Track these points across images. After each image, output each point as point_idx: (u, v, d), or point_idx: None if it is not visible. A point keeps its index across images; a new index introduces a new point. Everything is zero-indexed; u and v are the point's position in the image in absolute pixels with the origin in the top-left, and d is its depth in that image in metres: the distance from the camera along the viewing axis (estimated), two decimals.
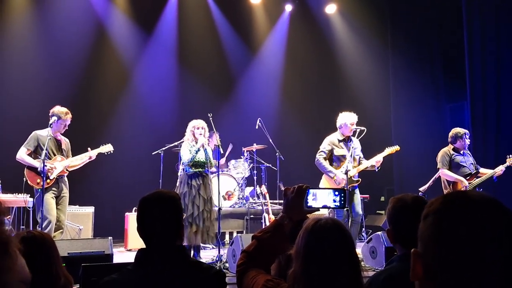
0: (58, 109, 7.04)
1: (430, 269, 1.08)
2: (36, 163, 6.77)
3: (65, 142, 7.30)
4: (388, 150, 7.76)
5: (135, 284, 2.21)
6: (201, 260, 7.08)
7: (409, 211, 2.44)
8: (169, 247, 2.30)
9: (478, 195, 1.09)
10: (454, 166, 7.76)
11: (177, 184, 7.43)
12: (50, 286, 2.40)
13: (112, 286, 2.20)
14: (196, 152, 7.26)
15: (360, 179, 7.67)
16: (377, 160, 7.60)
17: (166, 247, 2.29)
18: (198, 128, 7.36)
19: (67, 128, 7.15)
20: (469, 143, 7.92)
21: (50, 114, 6.98)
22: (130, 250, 8.59)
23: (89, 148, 7.32)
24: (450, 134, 7.92)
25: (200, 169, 7.31)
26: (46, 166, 6.63)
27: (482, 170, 7.84)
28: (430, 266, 1.08)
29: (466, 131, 7.89)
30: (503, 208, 1.07)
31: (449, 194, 1.13)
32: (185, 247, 2.28)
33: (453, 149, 7.83)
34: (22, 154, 6.87)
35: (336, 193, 2.25)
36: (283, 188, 2.32)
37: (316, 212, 2.41)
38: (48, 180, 6.80)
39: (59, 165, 6.97)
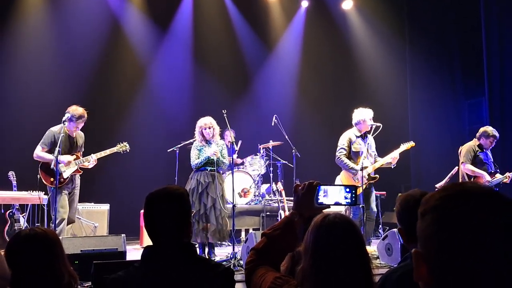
0: (73, 109, 6.95)
1: (435, 269, 1.02)
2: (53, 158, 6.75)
3: (80, 137, 7.25)
4: (403, 147, 7.75)
5: (141, 281, 2.18)
6: (215, 257, 7.07)
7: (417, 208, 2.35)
8: (176, 244, 2.25)
9: (477, 186, 1.03)
10: (477, 162, 7.79)
11: (188, 179, 7.41)
12: (53, 283, 2.37)
13: (118, 284, 2.18)
14: (205, 159, 7.20)
15: (378, 176, 7.62)
16: (393, 157, 7.56)
17: (173, 244, 2.24)
18: (206, 128, 7.30)
19: (78, 129, 7.11)
20: (493, 145, 7.93)
21: (66, 112, 6.94)
22: None
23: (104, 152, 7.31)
24: (480, 130, 7.94)
25: (211, 167, 7.27)
26: (59, 164, 6.61)
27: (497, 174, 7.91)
28: (435, 266, 1.02)
29: (497, 135, 7.85)
30: (505, 199, 1.00)
31: (445, 188, 1.07)
32: (192, 244, 2.22)
33: (478, 146, 7.85)
34: (39, 152, 6.87)
35: (348, 190, 2.22)
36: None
37: (328, 209, 2.36)
38: (62, 179, 6.81)
39: (72, 164, 6.96)
